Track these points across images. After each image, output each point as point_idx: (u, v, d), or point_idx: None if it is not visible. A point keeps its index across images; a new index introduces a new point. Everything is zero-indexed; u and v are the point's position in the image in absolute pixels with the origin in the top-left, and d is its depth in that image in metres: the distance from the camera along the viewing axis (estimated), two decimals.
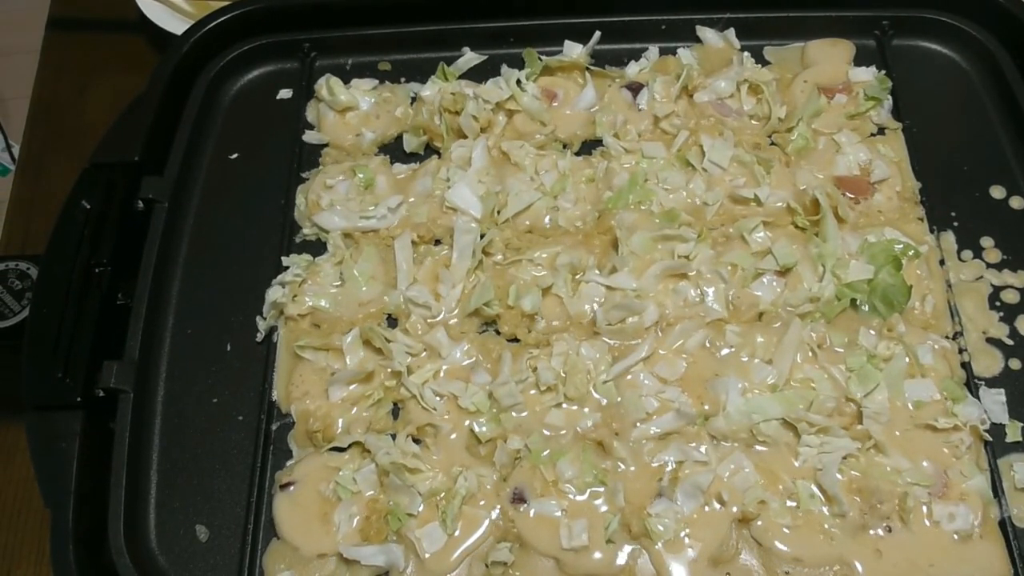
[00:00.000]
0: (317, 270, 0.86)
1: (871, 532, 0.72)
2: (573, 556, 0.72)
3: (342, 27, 0.99)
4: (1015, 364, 0.80)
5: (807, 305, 0.81)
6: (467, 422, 0.78)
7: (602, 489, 0.74)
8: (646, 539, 0.72)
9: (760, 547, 0.72)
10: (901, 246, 0.83)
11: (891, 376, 0.77)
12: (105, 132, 0.90)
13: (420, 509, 0.74)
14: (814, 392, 0.77)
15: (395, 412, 0.80)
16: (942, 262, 0.84)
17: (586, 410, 0.78)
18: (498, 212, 0.87)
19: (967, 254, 0.85)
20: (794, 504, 0.73)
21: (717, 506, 0.73)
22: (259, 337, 0.84)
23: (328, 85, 0.94)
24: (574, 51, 0.97)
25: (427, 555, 0.72)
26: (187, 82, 0.96)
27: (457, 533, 0.73)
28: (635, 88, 0.95)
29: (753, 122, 0.94)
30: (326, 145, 0.95)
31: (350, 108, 0.95)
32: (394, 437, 0.77)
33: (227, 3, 0.98)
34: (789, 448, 0.76)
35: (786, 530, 0.72)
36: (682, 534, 0.72)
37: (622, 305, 0.80)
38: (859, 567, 0.71)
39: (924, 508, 0.73)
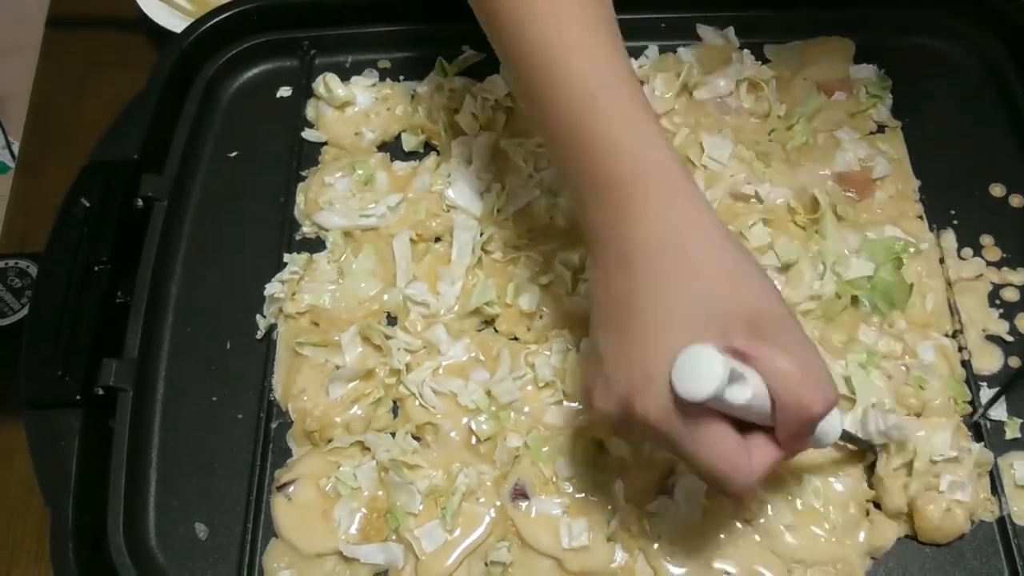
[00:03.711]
0: (315, 267, 0.86)
1: None
2: (573, 555, 0.72)
3: (342, 25, 0.99)
4: (1015, 362, 0.80)
5: (808, 303, 0.81)
6: (466, 420, 0.78)
7: (602, 487, 0.74)
8: (645, 538, 0.72)
9: (762, 545, 0.72)
10: (901, 243, 0.83)
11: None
12: (104, 130, 0.90)
13: (420, 508, 0.74)
14: None
15: (395, 410, 0.80)
16: (942, 260, 0.84)
17: (586, 407, 0.78)
18: (498, 210, 0.87)
19: (967, 252, 0.85)
20: (796, 502, 0.73)
21: (717, 504, 0.73)
22: (259, 335, 0.84)
23: (325, 82, 0.94)
24: None
25: (426, 554, 0.72)
26: (186, 80, 0.96)
27: (457, 532, 0.73)
28: None
29: (753, 120, 0.93)
30: (326, 143, 0.95)
31: (348, 104, 0.95)
32: (393, 435, 0.77)
33: (227, 1, 0.98)
34: None
35: (787, 528, 0.72)
36: (677, 538, 0.72)
37: None
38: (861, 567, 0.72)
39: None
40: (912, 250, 0.83)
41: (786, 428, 0.56)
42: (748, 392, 0.54)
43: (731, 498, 0.60)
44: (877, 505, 0.74)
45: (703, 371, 0.52)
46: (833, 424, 0.61)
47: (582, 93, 0.60)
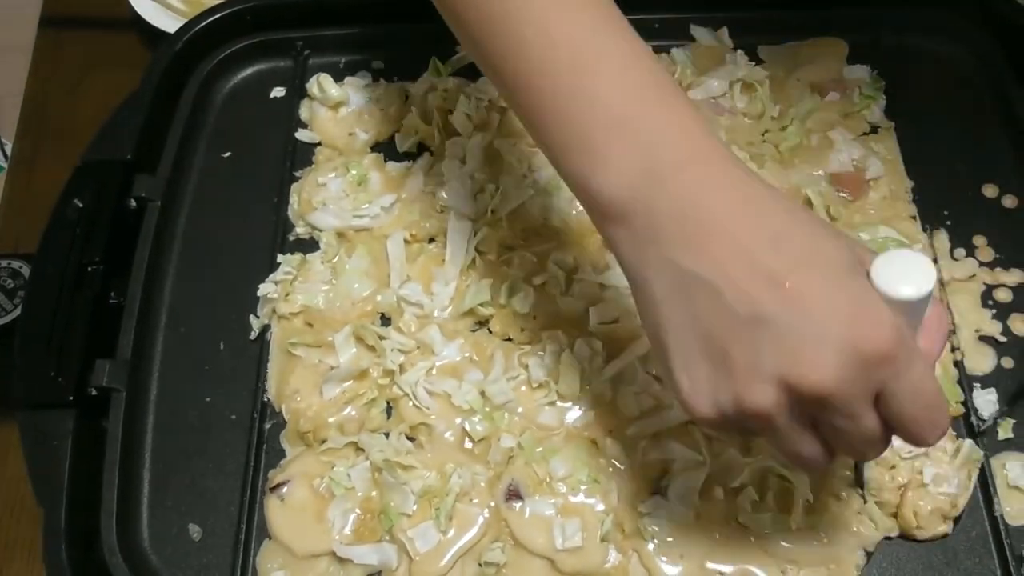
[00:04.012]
0: (309, 268, 0.85)
1: None
2: (566, 556, 0.72)
3: (335, 25, 0.99)
4: (1007, 362, 0.80)
5: None
6: (460, 420, 0.78)
7: (596, 487, 0.74)
8: (638, 539, 0.72)
9: (755, 546, 0.72)
10: (895, 243, 0.83)
11: None
12: (97, 130, 0.90)
13: (414, 508, 0.74)
14: None
15: (389, 411, 0.80)
16: (935, 261, 0.84)
17: (579, 408, 0.78)
18: (492, 211, 0.87)
19: (960, 252, 0.85)
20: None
21: (711, 505, 0.73)
22: (252, 336, 0.84)
23: (318, 82, 0.94)
24: None
25: (419, 554, 0.72)
26: (180, 80, 0.96)
27: (451, 533, 0.73)
28: None
29: (747, 120, 0.93)
30: (319, 143, 0.94)
31: (341, 104, 0.95)
32: (387, 435, 0.77)
33: (220, 1, 0.98)
34: None
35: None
36: (671, 539, 0.72)
37: (616, 303, 0.80)
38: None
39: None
40: None
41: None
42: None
43: (925, 445, 0.55)
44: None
45: (911, 269, 0.48)
46: None
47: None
